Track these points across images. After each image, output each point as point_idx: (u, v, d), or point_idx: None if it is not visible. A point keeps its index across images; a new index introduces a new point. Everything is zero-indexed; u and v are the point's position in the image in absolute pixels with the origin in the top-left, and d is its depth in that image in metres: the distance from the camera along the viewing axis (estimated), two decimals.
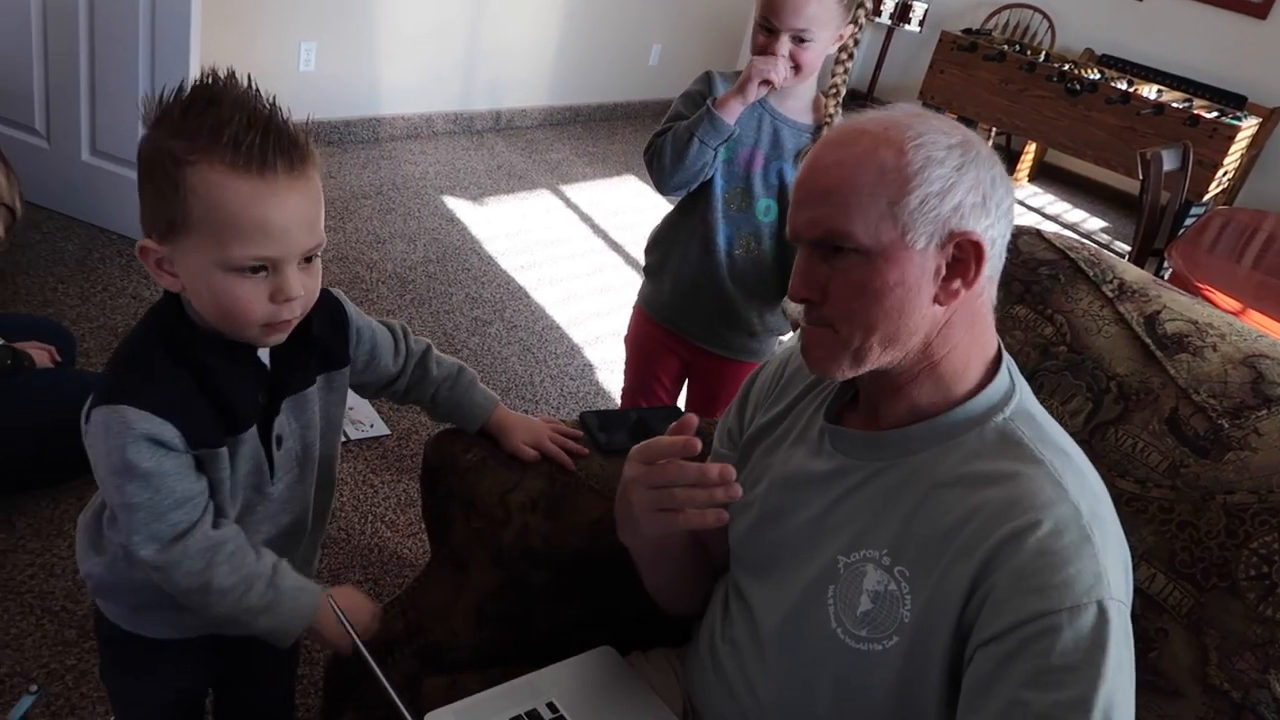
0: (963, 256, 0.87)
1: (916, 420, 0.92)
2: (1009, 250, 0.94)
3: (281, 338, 0.94)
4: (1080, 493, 0.84)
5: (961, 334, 0.91)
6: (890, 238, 0.85)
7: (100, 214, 2.92)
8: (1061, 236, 1.33)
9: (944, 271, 0.87)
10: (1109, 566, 0.80)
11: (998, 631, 0.79)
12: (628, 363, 1.96)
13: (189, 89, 0.86)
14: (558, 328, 3.03)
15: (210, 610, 0.98)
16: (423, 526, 2.07)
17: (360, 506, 2.09)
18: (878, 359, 0.89)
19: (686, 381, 1.97)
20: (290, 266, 0.89)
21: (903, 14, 5.65)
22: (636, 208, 4.13)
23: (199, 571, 0.95)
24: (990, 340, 0.95)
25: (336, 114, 3.98)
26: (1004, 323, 1.26)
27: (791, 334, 1.59)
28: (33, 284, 2.54)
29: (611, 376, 2.82)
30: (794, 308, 1.58)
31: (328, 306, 1.09)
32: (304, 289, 0.91)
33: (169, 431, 0.90)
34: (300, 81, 3.77)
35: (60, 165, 2.89)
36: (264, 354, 0.99)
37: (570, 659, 1.15)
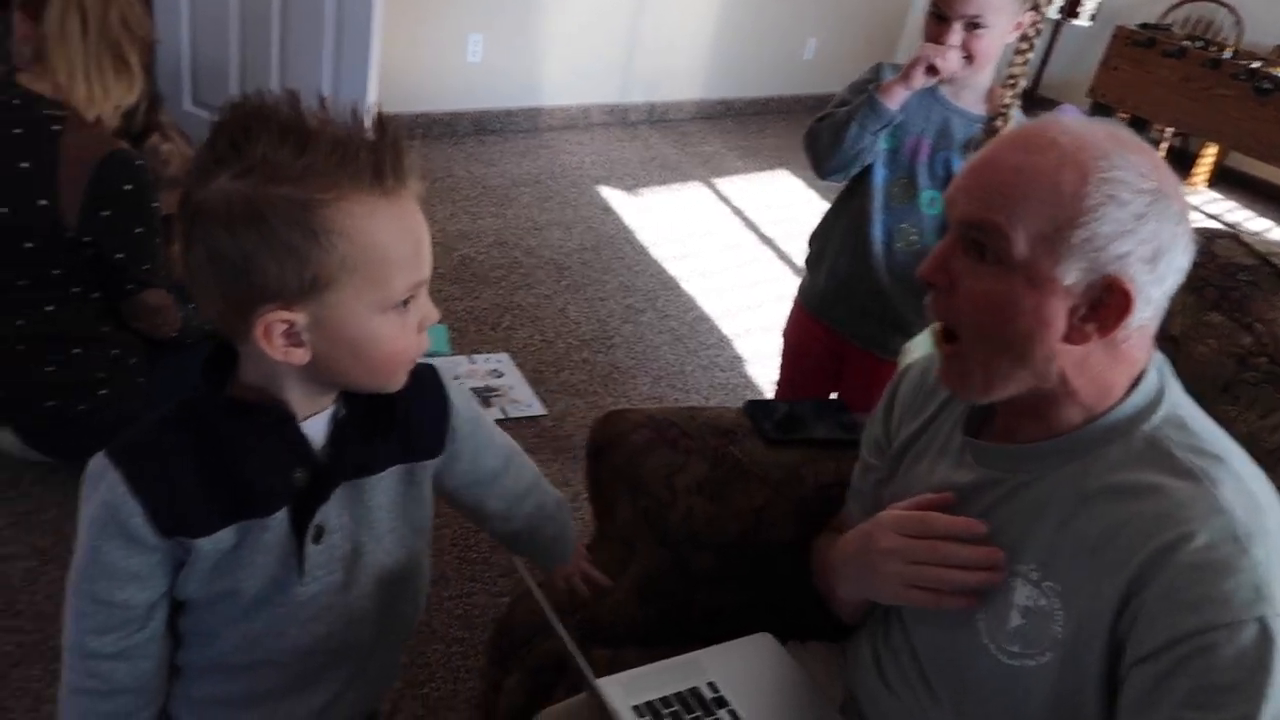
0: (1107, 302, 0.83)
1: (1057, 434, 0.89)
2: (1203, 255, 0.90)
3: (406, 377, 0.83)
4: (1238, 502, 0.79)
5: (1102, 361, 0.87)
6: (1042, 263, 0.82)
7: None
8: (1263, 240, 1.26)
9: (1082, 312, 0.83)
10: (1273, 580, 0.76)
11: (1152, 649, 0.76)
12: (782, 354, 1.96)
13: (252, 130, 0.72)
14: (708, 319, 3.05)
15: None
16: (578, 505, 2.13)
17: None
18: (1007, 384, 0.87)
19: (840, 379, 1.95)
20: (426, 288, 0.81)
21: (1072, 8, 5.39)
22: (788, 203, 4.11)
23: (78, 667, 0.85)
24: (1140, 360, 0.89)
25: (499, 104, 4.12)
26: (1196, 330, 1.20)
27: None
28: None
29: (761, 370, 2.82)
30: None
31: (420, 377, 0.90)
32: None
33: (134, 516, 0.77)
34: (467, 72, 3.92)
35: None
36: (316, 426, 0.84)
37: (730, 642, 1.16)
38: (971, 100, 1.62)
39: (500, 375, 2.52)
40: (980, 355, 0.87)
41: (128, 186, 1.65)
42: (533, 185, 3.72)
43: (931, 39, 1.53)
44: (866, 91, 1.60)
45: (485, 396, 2.41)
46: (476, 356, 2.58)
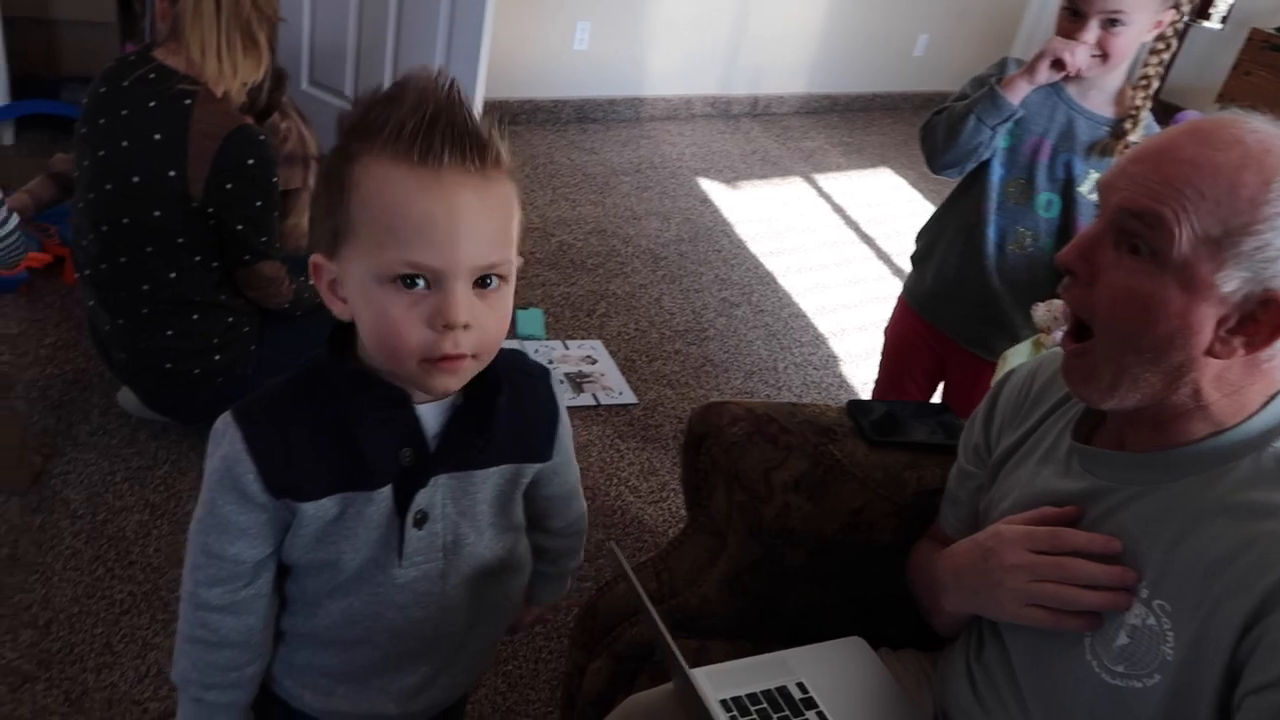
0: (1260, 318, 0.78)
1: (1177, 445, 0.84)
2: None
3: (451, 383, 0.78)
4: None
5: (1239, 377, 0.82)
6: (1201, 266, 0.77)
7: None
8: None
9: (1231, 324, 0.79)
10: None
11: (1271, 679, 0.72)
12: (883, 353, 1.92)
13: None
14: (804, 316, 3.01)
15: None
16: (664, 495, 2.14)
17: (606, 469, 2.18)
18: (1134, 389, 0.82)
19: (942, 381, 1.91)
20: (456, 284, 0.74)
21: (1202, 9, 5.14)
22: (890, 201, 4.03)
23: (190, 617, 0.88)
24: (1278, 380, 0.84)
25: (603, 92, 4.14)
26: None
27: (1050, 340, 1.49)
28: (318, 239, 2.81)
29: (856, 370, 2.77)
30: (1043, 316, 1.49)
31: (539, 394, 0.93)
32: (475, 320, 0.75)
33: (247, 474, 0.80)
34: (573, 59, 3.95)
35: None
36: (433, 412, 0.84)
37: (821, 643, 1.15)
38: (1099, 101, 1.56)
39: (593, 362, 2.53)
40: (1112, 355, 0.83)
41: (251, 161, 1.71)
42: (632, 174, 3.73)
43: (1065, 35, 1.47)
44: (988, 84, 1.55)
45: (578, 382, 2.43)
46: (570, 342, 2.60)
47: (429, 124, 0.71)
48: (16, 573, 1.67)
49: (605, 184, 3.60)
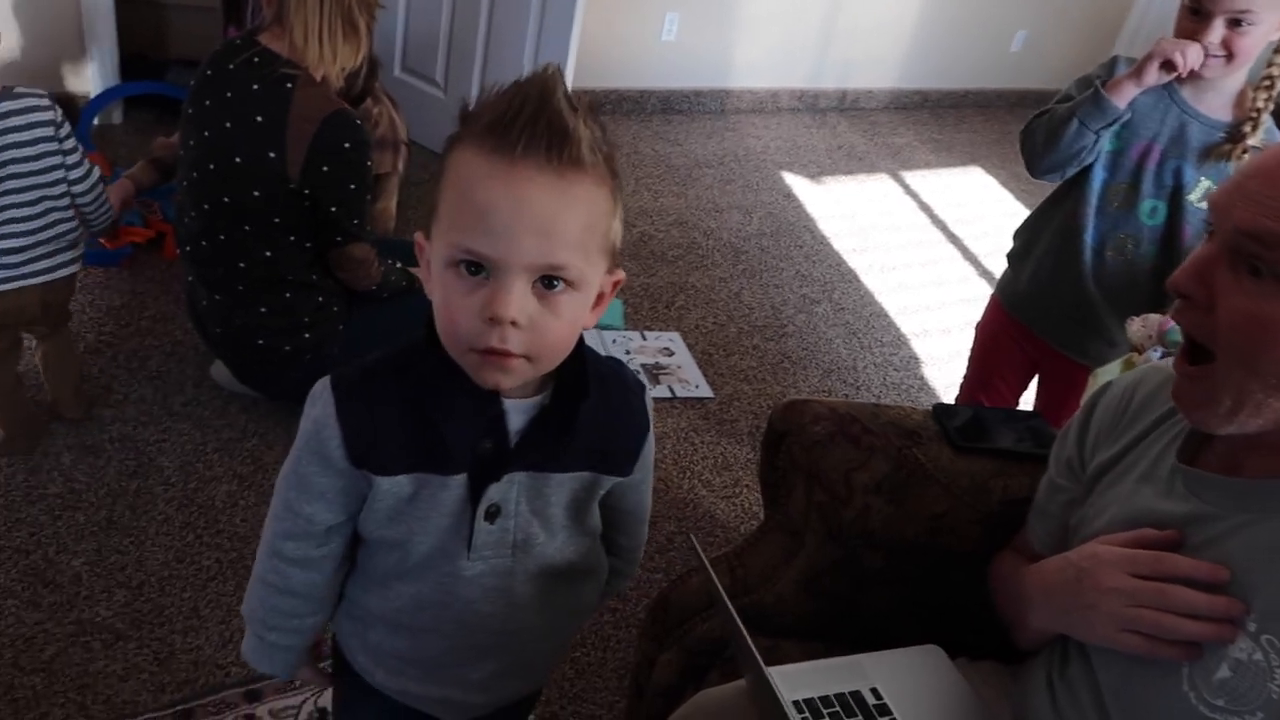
0: None
1: None
2: None
3: (501, 379, 0.76)
4: None
5: None
6: None
7: None
8: None
9: None
10: None
11: None
12: (973, 350, 1.88)
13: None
14: (886, 315, 2.96)
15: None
16: (738, 490, 2.13)
17: (680, 461, 2.18)
18: (1257, 415, 0.79)
19: (1035, 383, 1.86)
20: (511, 278, 0.71)
21: None
22: (980, 201, 3.92)
23: (265, 562, 0.91)
24: None
25: (689, 84, 4.12)
26: None
27: (1142, 359, 1.43)
28: (420, 218, 2.86)
29: (938, 373, 2.71)
30: (1137, 333, 1.43)
31: (632, 407, 0.92)
32: (530, 321, 0.73)
33: (332, 439, 0.82)
34: (661, 50, 3.94)
35: (450, 115, 3.22)
36: (519, 409, 0.83)
37: (896, 649, 1.13)
38: (1216, 104, 1.49)
39: (671, 354, 2.53)
40: (1233, 380, 0.79)
41: (347, 144, 1.75)
42: (716, 167, 3.71)
43: (1186, 36, 1.41)
44: (1093, 86, 1.49)
45: (654, 374, 2.43)
46: (648, 333, 2.60)
47: (512, 115, 0.70)
48: (113, 535, 1.74)
49: (688, 176, 3.59)
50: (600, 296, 0.81)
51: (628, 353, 2.48)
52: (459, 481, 0.84)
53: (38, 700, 1.46)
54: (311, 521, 0.88)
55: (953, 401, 2.00)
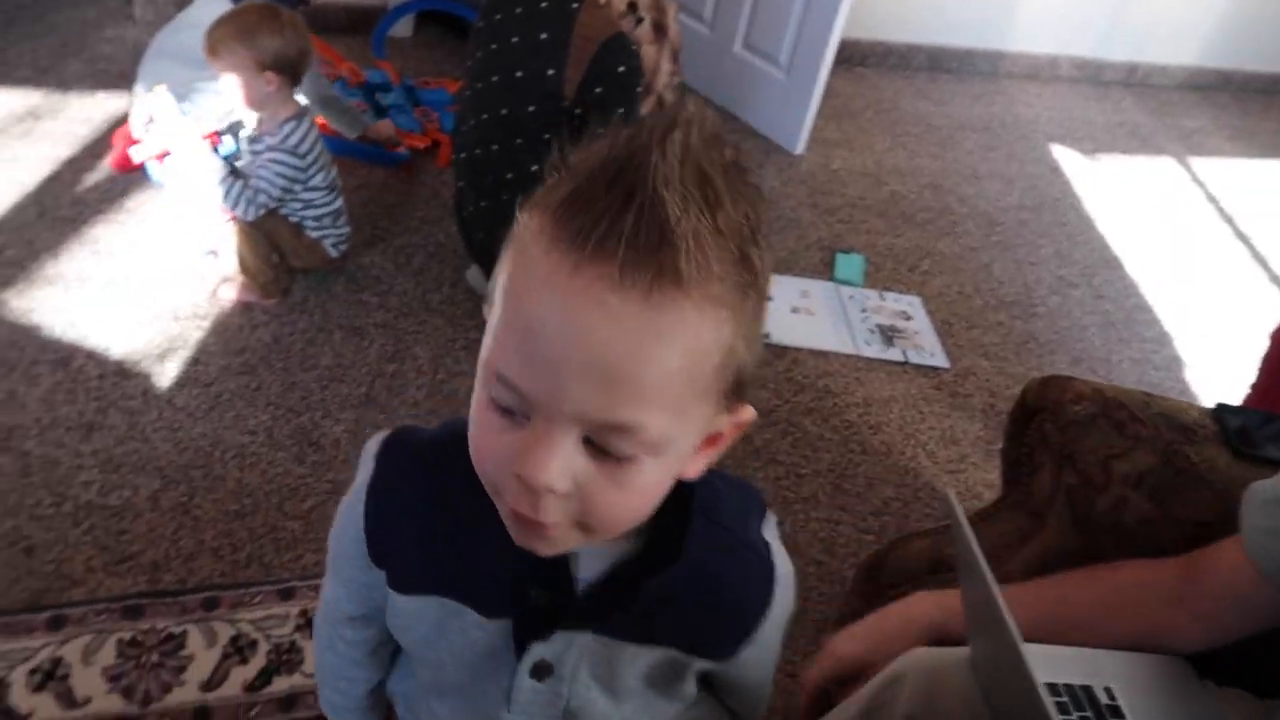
0: None
1: None
2: None
3: (540, 546, 0.56)
4: None
5: None
6: None
7: (741, 105, 3.21)
8: None
9: None
10: None
11: None
12: (1265, 358, 1.70)
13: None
14: (1150, 310, 2.72)
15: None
16: (963, 466, 2.04)
17: (905, 427, 2.11)
18: None
19: None
20: (549, 428, 0.50)
21: None
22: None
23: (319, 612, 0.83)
24: None
25: (961, 42, 3.90)
26: None
27: None
28: None
29: (1205, 381, 2.47)
30: None
31: (748, 592, 0.69)
32: (574, 486, 0.52)
33: (356, 526, 0.69)
34: (938, 2, 3.73)
35: (715, 53, 3.21)
36: (595, 557, 0.64)
37: (1140, 653, 1.05)
38: None
39: (909, 318, 2.44)
40: None
41: (621, 69, 1.78)
42: (980, 132, 3.51)
43: None
44: None
45: (889, 335, 2.35)
46: (888, 294, 2.52)
47: (591, 190, 0.48)
48: (370, 410, 1.90)
49: (948, 138, 3.42)
50: (714, 438, 0.58)
51: (864, 310, 2.41)
52: (500, 628, 0.67)
53: (295, 543, 1.63)
54: (337, 604, 0.78)
55: None
